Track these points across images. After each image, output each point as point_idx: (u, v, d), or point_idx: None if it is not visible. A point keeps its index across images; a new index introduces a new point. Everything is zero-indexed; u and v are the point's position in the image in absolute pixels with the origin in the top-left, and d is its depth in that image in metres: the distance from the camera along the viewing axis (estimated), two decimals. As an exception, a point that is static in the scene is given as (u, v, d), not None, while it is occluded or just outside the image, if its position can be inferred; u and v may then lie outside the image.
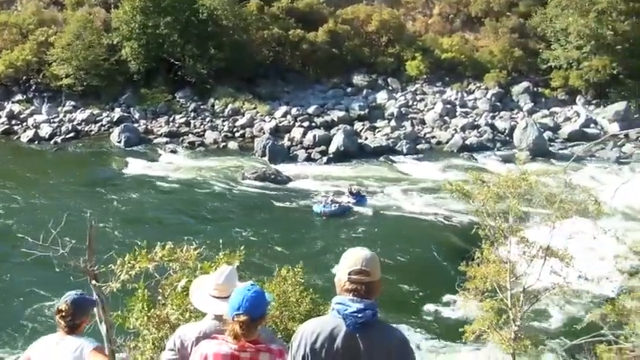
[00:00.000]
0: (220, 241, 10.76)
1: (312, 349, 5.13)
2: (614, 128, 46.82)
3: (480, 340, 21.48)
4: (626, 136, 45.13)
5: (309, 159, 42.63)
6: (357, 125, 47.41)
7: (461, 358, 22.87)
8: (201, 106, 49.31)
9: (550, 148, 44.41)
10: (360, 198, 35.64)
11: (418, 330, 24.20)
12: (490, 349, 21.44)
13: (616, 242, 18.39)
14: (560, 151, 43.72)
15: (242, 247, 9.86)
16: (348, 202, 35.20)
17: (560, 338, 22.97)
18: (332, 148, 43.15)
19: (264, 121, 47.37)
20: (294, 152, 43.42)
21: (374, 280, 5.13)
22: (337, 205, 34.65)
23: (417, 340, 23.38)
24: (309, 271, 12.02)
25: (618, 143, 44.52)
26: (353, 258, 5.17)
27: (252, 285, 5.54)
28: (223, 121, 47.79)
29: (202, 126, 47.34)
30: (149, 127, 47.47)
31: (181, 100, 50.13)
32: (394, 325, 5.44)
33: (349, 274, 5.11)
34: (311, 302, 12.82)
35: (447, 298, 25.48)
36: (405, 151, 43.85)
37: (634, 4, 52.37)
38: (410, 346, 5.27)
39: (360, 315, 5.01)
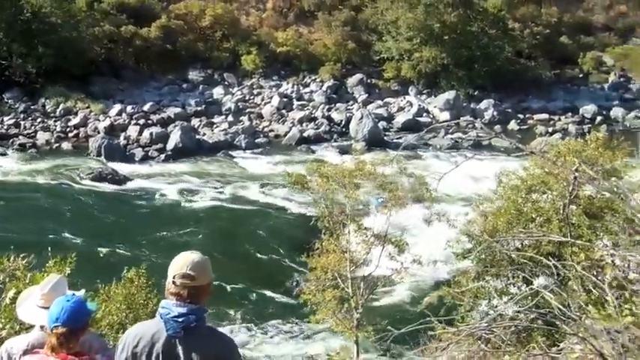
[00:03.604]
0: (49, 248, 10.35)
1: (133, 354, 5.06)
2: (445, 116, 48.61)
3: (325, 329, 21.86)
4: (457, 124, 46.90)
5: (146, 157, 41.73)
6: (195, 121, 46.89)
7: (307, 349, 23.14)
8: (32, 107, 47.24)
9: (385, 138, 45.50)
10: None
11: (263, 325, 24.29)
12: (335, 337, 21.82)
13: (448, 226, 19.07)
14: (395, 141, 44.87)
15: (74, 254, 9.53)
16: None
17: (401, 322, 23.64)
18: (170, 146, 42.45)
19: (99, 120, 46.01)
20: (131, 151, 42.40)
21: (200, 285, 5.06)
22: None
23: (261, 335, 23.52)
24: (156, 271, 11.81)
25: (449, 131, 46.18)
26: (180, 262, 5.10)
27: (72, 295, 5.37)
28: (55, 121, 46.00)
29: (33, 127, 45.35)
30: (-27, 130, 45.09)
31: (10, 100, 47.88)
32: (224, 329, 5.40)
33: (174, 277, 5.04)
34: (158, 303, 12.61)
35: (290, 290, 25.72)
36: (243, 145, 43.73)
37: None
38: (237, 353, 5.26)
39: (180, 320, 4.95)
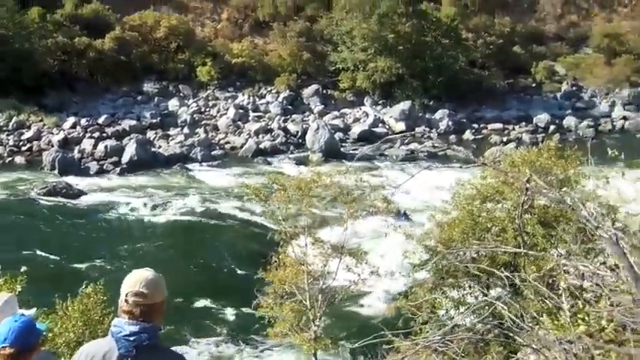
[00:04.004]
0: (-1, 266, 10.19)
1: None
2: (400, 127, 48.90)
3: (283, 343, 21.72)
4: (413, 135, 47.14)
5: (101, 171, 41.26)
6: (150, 134, 46.57)
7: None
8: (-17, 120, 46.63)
9: (342, 149, 45.56)
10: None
11: (220, 340, 24.11)
12: (293, 350, 21.72)
13: (405, 237, 19.09)
14: (352, 151, 44.97)
15: (25, 271, 9.39)
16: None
17: (359, 334, 23.62)
18: (125, 159, 42.04)
19: (52, 133, 45.46)
20: (86, 164, 41.88)
21: (153, 303, 5.00)
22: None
23: (218, 350, 23.35)
24: (112, 287, 11.65)
25: (405, 141, 46.39)
26: (133, 279, 5.04)
27: (20, 315, 5.27)
28: (8, 134, 45.33)
29: (-15, 141, 44.75)
30: None
31: (-40, 114, 47.20)
32: (181, 348, 5.35)
33: (126, 295, 4.97)
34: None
35: (247, 304, 25.53)
36: (199, 158, 43.48)
37: (414, 6, 55.05)
38: None
39: (132, 338, 4.88)
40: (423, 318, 15.14)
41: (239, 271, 28.46)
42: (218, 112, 50.56)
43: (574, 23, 66.54)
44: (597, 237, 6.79)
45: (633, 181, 7.96)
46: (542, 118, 52.18)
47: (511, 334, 7.42)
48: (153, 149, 44.22)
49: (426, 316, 15.17)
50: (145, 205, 36.23)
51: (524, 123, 52.02)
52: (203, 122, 49.01)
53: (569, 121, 52.59)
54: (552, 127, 50.98)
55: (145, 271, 5.11)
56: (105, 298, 12.86)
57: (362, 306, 25.68)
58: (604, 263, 6.78)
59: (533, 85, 58.28)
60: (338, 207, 21.38)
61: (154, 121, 48.09)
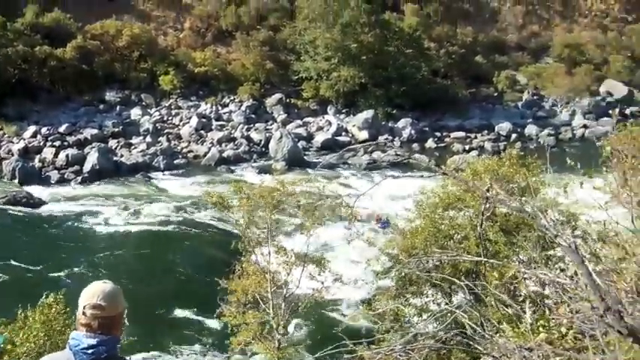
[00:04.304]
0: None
1: None
2: (363, 135, 49.07)
3: (247, 351, 21.65)
4: (376, 144, 47.31)
5: (62, 180, 40.88)
6: (112, 142, 46.24)
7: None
8: (-58, 129, 45.97)
9: (305, 158, 45.59)
10: (385, 224, 33.59)
11: (183, 350, 23.96)
12: (256, 359, 21.65)
13: (368, 245, 19.14)
14: (315, 160, 45.01)
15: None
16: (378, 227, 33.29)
17: (323, 342, 23.59)
18: (86, 168, 41.67)
19: (13, 142, 44.96)
20: (47, 173, 41.46)
21: (111, 315, 4.93)
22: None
23: None
24: (73, 297, 11.49)
25: (368, 150, 46.52)
26: (90, 292, 4.97)
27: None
28: (-34, 144, 44.85)
29: (-57, 150, 44.11)
30: None
31: None
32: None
33: (84, 308, 4.91)
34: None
35: (211, 314, 25.41)
36: (162, 167, 43.27)
37: (377, 16, 55.37)
38: None
39: (90, 352, 4.82)
40: (386, 326, 15.17)
41: (202, 280, 28.25)
42: (181, 120, 50.35)
43: (535, 33, 67.39)
44: (557, 245, 6.84)
45: (590, 189, 8.04)
46: (503, 126, 52.69)
47: (471, 343, 7.45)
48: (115, 158, 43.90)
49: (388, 324, 15.20)
50: (108, 214, 35.94)
51: (486, 131, 52.47)
52: (166, 131, 48.78)
53: (531, 129, 53.17)
54: (514, 136, 51.52)
55: (103, 284, 5.04)
56: (67, 308, 12.71)
57: (325, 314, 25.67)
58: (563, 270, 6.84)
59: (495, 94, 58.88)
60: (302, 215, 21.30)
61: (116, 129, 47.74)
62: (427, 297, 16.41)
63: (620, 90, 60.00)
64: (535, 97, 59.26)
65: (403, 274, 16.26)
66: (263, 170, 42.10)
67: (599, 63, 62.70)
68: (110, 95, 51.82)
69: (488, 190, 8.02)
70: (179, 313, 26.29)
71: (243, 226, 20.26)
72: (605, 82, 60.91)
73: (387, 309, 15.31)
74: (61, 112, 49.65)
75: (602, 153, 7.57)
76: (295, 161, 43.97)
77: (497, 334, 6.90)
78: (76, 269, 29.31)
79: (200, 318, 25.71)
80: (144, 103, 51.88)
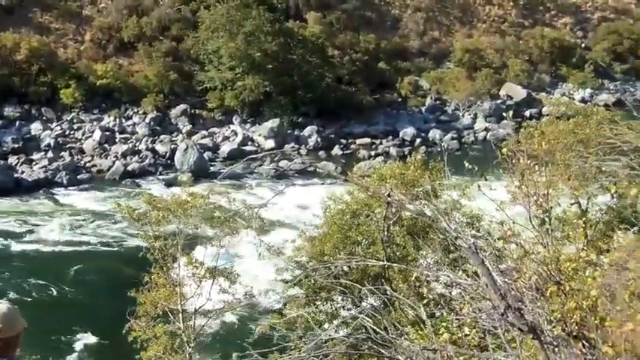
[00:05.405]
0: None
1: None
2: (269, 144, 49.09)
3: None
4: (282, 152, 47.41)
5: (-40, 198, 39.62)
6: (12, 159, 44.92)
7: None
8: None
9: (212, 168, 45.30)
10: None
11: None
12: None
13: (277, 254, 19.16)
14: (222, 170, 44.75)
15: None
16: None
17: (234, 355, 23.49)
18: (-15, 185, 40.47)
19: None
20: (-58, 192, 40.11)
21: (7, 337, 4.80)
22: None
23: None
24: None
25: (275, 158, 46.54)
26: (-13, 314, 4.82)
27: None
28: None
29: None
30: None
31: None
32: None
33: (-20, 329, 4.76)
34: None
35: (120, 329, 24.95)
36: (65, 182, 42.30)
37: (280, 25, 55.53)
38: None
39: None
40: (298, 334, 15.20)
41: (110, 295, 27.74)
42: (83, 134, 49.33)
43: (436, 39, 68.63)
44: (458, 247, 6.98)
45: (495, 190, 8.25)
46: (408, 131, 53.46)
47: (377, 347, 7.52)
48: (15, 175, 42.70)
49: (300, 331, 15.24)
50: (7, 232, 34.96)
51: (391, 137, 53.10)
52: (68, 146, 47.72)
53: (434, 134, 54.09)
54: (418, 140, 52.36)
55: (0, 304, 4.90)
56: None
57: (237, 325, 25.57)
58: (465, 271, 6.98)
59: (399, 99, 59.63)
60: (212, 227, 21.16)
61: (16, 145, 46.42)
62: (337, 303, 16.53)
63: (519, 93, 61.63)
64: (438, 102, 60.32)
65: (313, 281, 16.34)
66: (169, 183, 41.69)
67: (498, 67, 64.30)
68: (9, 110, 50.30)
69: (389, 195, 8.14)
70: (85, 330, 25.78)
71: (152, 237, 20.01)
72: (505, 85, 62.47)
73: (296, 316, 15.36)
74: (-44, 128, 48.14)
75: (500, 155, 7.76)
76: (201, 172, 43.66)
77: (403, 337, 6.99)
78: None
79: (108, 334, 25.22)
80: (44, 118, 50.61)
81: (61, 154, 46.17)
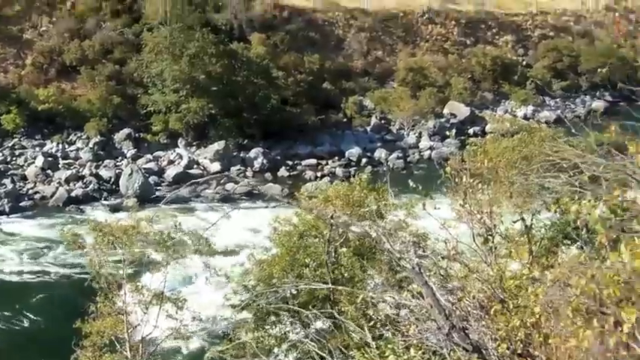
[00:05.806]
0: None
1: None
2: (215, 167, 48.86)
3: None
4: (227, 175, 47.22)
5: None
6: (-50, 188, 44.05)
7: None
8: None
9: (157, 193, 44.85)
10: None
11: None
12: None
13: (225, 279, 19.03)
14: (167, 194, 44.27)
15: None
16: None
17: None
18: None
19: None
20: None
21: None
22: None
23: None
24: None
25: (221, 181, 46.25)
26: None
27: None
28: None
29: None
30: None
31: None
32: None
33: None
34: None
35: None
36: (7, 210, 41.52)
37: (224, 46, 55.42)
38: None
39: None
40: (247, 359, 15.06)
41: (54, 326, 27.27)
42: (26, 161, 48.53)
43: (380, 59, 69.15)
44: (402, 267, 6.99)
45: (440, 209, 8.29)
46: (353, 152, 53.66)
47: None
48: (-46, 204, 41.79)
49: (249, 356, 15.10)
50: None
51: (337, 157, 53.24)
52: (10, 172, 46.86)
53: (380, 153, 54.38)
54: (364, 160, 52.57)
55: None
56: None
57: (185, 352, 25.27)
58: (410, 292, 6.99)
59: (344, 119, 59.81)
60: (158, 252, 20.92)
61: (-45, 174, 45.52)
62: (286, 326, 16.43)
63: (462, 111, 62.33)
64: (383, 122, 60.66)
65: (261, 305, 16.22)
66: (114, 208, 41.19)
67: (441, 85, 64.99)
68: (-53, 138, 49.42)
69: (332, 217, 8.13)
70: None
71: (97, 265, 19.71)
72: (448, 104, 63.12)
73: (247, 341, 15.21)
74: None
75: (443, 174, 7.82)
76: (147, 197, 43.23)
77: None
78: None
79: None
80: (-15, 145, 49.76)
81: (2, 182, 45.32)
